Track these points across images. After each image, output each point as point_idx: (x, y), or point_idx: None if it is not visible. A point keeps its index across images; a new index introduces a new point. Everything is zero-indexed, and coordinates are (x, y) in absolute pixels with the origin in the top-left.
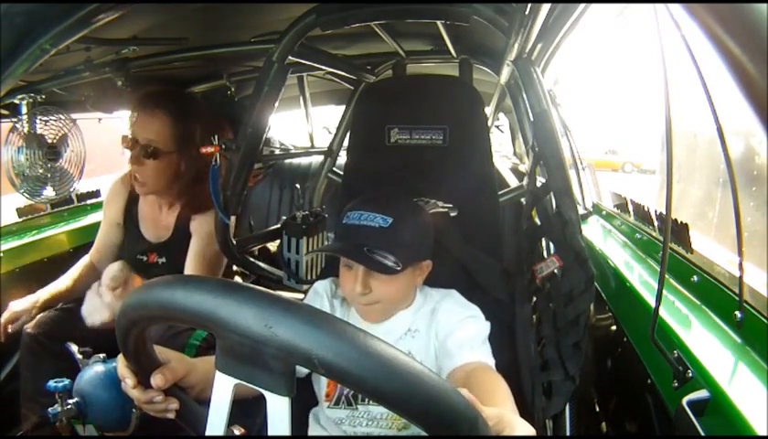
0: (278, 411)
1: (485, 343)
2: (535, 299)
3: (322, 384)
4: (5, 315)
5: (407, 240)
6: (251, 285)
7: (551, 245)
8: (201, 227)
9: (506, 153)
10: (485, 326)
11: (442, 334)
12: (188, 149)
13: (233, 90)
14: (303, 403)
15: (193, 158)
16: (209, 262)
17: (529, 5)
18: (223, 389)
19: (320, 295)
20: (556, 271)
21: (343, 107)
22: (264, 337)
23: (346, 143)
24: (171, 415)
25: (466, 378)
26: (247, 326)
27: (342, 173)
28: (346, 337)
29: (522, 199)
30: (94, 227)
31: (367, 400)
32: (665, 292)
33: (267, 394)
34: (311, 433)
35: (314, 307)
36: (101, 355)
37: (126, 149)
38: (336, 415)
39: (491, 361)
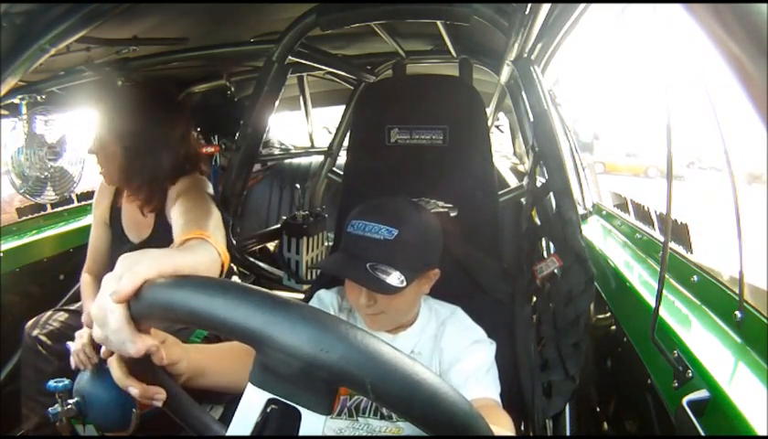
0: (313, 428)
1: (489, 371)
2: (535, 299)
3: None
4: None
5: (412, 252)
6: (299, 302)
7: (551, 245)
8: (177, 190)
9: (506, 153)
10: (490, 351)
11: (446, 361)
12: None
13: (233, 90)
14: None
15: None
16: (200, 212)
17: (529, 5)
18: (255, 402)
19: (325, 307)
20: (556, 271)
21: (343, 107)
22: (319, 360)
23: (346, 143)
24: (158, 404)
25: None
26: (300, 347)
27: (342, 173)
28: (399, 365)
29: (522, 199)
30: None
31: (368, 412)
32: (665, 292)
33: (305, 411)
34: None
35: (366, 331)
36: None
37: None
38: (336, 425)
39: (497, 391)
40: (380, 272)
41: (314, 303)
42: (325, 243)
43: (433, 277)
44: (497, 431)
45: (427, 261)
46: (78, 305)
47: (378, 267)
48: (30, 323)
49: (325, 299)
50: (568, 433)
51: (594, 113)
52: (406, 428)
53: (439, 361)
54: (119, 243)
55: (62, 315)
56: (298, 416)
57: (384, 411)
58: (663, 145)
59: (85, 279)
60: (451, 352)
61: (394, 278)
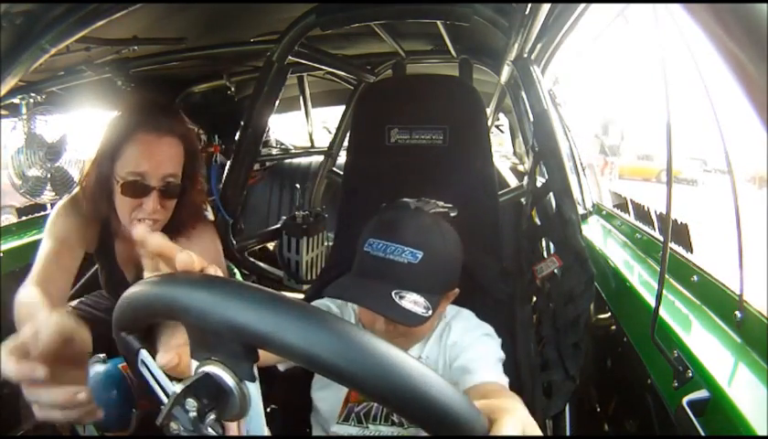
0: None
1: (499, 361)
2: (535, 299)
3: (333, 402)
4: None
5: (437, 275)
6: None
7: (551, 245)
8: (196, 240)
9: (506, 153)
10: (498, 345)
11: (454, 354)
12: (196, 167)
13: (233, 90)
14: (299, 410)
15: (198, 175)
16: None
17: (529, 5)
18: None
19: (348, 313)
20: (556, 271)
21: (343, 107)
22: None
23: (346, 143)
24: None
25: (484, 398)
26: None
27: (342, 173)
28: (397, 364)
29: (522, 199)
30: None
31: (378, 420)
32: (665, 292)
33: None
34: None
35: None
36: (101, 355)
37: (130, 197)
38: (345, 431)
39: (506, 381)
40: (406, 300)
41: (339, 303)
42: (325, 243)
43: (452, 296)
44: (510, 409)
45: (451, 281)
46: (74, 302)
47: (402, 294)
48: None
49: (345, 315)
50: (568, 433)
51: (615, 114)
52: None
53: (446, 358)
54: (110, 277)
55: None
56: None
57: (395, 417)
58: (675, 147)
59: (30, 294)
60: (459, 345)
61: (420, 306)
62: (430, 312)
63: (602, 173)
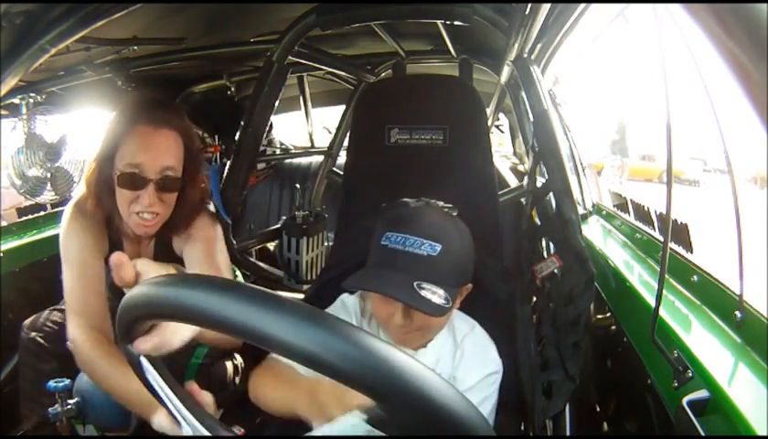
0: None
1: (492, 413)
2: (535, 299)
3: None
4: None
5: (455, 268)
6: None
7: (551, 245)
8: (198, 232)
9: (506, 153)
10: (496, 382)
11: (457, 383)
12: (196, 164)
13: (233, 90)
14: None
15: (199, 173)
16: (218, 269)
17: (529, 5)
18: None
19: (348, 312)
20: (556, 271)
21: (343, 107)
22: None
23: (346, 143)
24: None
25: None
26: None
27: (342, 173)
28: (401, 365)
29: (522, 199)
30: None
31: None
32: (665, 292)
33: None
34: None
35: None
36: None
37: (127, 190)
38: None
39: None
40: (426, 291)
41: (337, 306)
42: (325, 243)
43: (465, 292)
44: None
45: (466, 276)
46: None
47: (423, 285)
48: (27, 323)
49: (349, 303)
50: (568, 433)
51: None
52: None
53: (454, 377)
54: None
55: (58, 315)
56: None
57: None
58: (676, 148)
59: (94, 342)
60: (463, 382)
61: (440, 297)
62: (449, 303)
63: (622, 173)
